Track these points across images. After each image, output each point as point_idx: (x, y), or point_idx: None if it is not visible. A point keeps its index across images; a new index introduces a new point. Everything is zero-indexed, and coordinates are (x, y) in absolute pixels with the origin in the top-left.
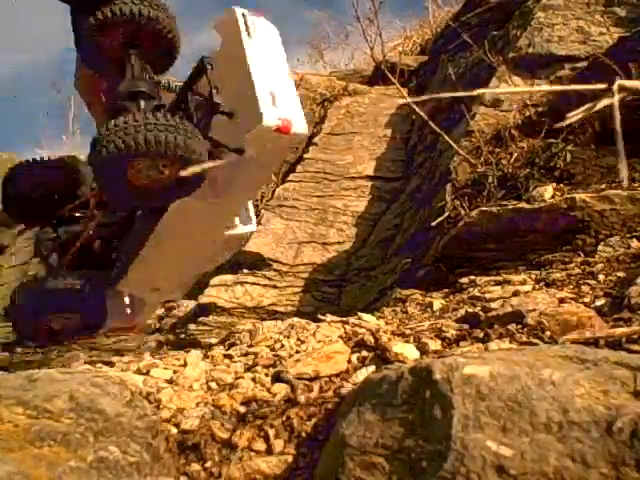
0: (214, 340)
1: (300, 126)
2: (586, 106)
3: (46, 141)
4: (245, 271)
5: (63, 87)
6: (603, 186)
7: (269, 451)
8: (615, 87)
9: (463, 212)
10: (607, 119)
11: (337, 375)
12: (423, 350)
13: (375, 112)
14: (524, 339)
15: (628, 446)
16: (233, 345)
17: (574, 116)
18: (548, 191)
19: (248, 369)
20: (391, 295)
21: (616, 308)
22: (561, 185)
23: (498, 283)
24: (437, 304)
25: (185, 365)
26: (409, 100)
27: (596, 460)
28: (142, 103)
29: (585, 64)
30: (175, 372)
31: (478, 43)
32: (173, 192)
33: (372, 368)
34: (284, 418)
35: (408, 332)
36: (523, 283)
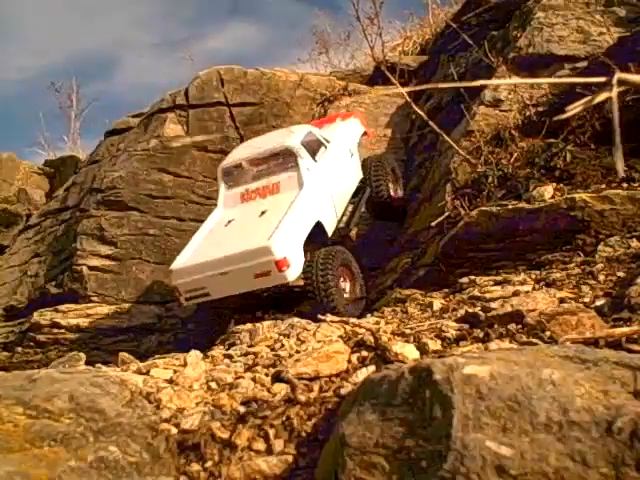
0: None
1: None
2: (586, 99)
3: (47, 141)
4: None
5: (62, 87)
6: (603, 186)
7: (269, 451)
8: (615, 80)
9: (463, 212)
10: (607, 119)
11: (337, 375)
12: (423, 350)
13: (375, 112)
14: (524, 339)
15: (628, 446)
16: (233, 345)
17: (574, 108)
18: (548, 191)
19: (248, 369)
20: (391, 295)
21: (616, 308)
22: (561, 185)
23: (498, 283)
24: (437, 304)
25: (185, 365)
26: (409, 100)
27: (596, 460)
28: None
29: (585, 64)
30: (175, 372)
31: (478, 43)
32: None
33: (372, 368)
34: (284, 418)
35: (408, 332)
36: (523, 283)
